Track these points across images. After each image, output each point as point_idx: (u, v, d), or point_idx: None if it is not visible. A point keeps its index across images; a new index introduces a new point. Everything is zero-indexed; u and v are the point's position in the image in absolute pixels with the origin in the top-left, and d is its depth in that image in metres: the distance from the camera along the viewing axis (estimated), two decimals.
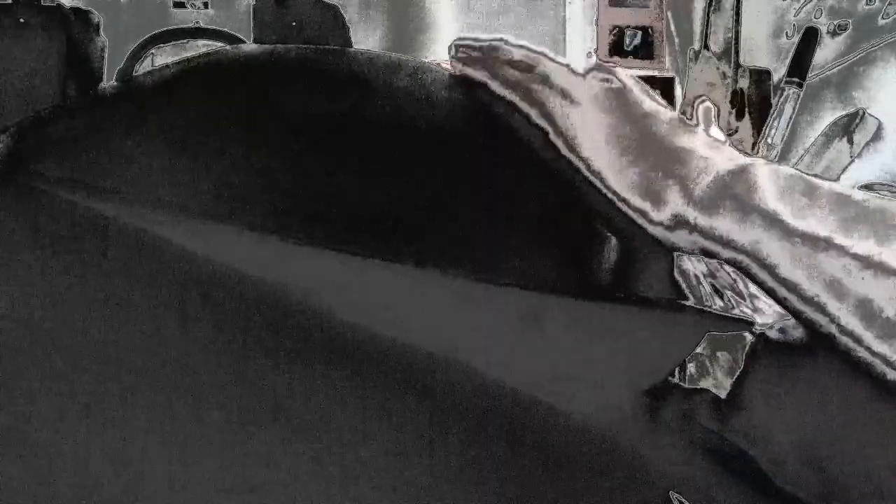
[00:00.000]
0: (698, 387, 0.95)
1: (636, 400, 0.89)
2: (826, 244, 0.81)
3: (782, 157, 2.10)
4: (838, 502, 0.86)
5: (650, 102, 0.94)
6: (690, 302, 0.95)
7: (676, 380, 0.95)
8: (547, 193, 0.97)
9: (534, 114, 0.96)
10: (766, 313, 0.95)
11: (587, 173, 0.92)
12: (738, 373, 0.91)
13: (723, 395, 0.91)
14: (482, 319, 0.88)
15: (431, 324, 0.87)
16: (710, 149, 0.90)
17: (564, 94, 0.95)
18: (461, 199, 0.94)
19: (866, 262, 0.80)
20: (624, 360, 0.89)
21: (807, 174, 0.87)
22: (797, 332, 0.89)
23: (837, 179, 2.03)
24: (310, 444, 0.82)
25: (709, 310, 0.95)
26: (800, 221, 0.82)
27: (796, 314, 0.85)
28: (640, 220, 0.90)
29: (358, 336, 0.86)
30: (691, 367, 1.08)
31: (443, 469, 0.83)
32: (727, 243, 0.86)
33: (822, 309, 0.82)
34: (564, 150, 0.94)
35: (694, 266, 0.98)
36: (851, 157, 2.07)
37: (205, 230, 0.89)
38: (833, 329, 0.82)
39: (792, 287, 0.83)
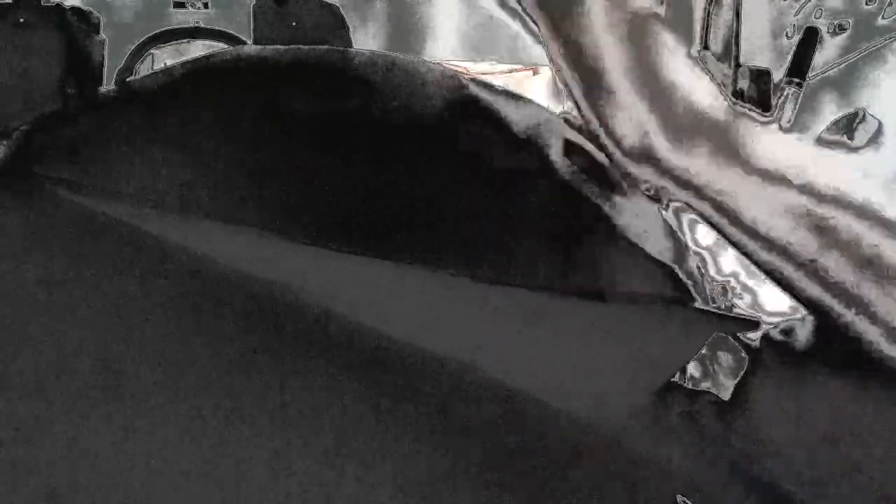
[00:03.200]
0: (701, 389, 0.95)
1: (640, 401, 0.89)
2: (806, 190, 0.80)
3: None
4: (838, 499, 0.86)
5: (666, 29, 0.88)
6: (697, 303, 0.95)
7: (679, 381, 0.95)
8: (552, 195, 0.97)
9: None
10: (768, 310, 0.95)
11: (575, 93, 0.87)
12: (741, 375, 0.91)
13: (725, 397, 0.91)
14: (488, 320, 0.88)
15: (438, 325, 0.87)
16: (705, 93, 0.85)
17: None
18: (465, 199, 0.94)
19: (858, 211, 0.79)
20: (630, 362, 0.89)
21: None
22: (803, 333, 0.89)
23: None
24: (316, 443, 0.81)
25: (715, 310, 0.95)
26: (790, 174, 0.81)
27: (759, 264, 0.83)
28: (612, 148, 0.87)
29: (364, 337, 0.86)
30: (693, 369, 1.08)
31: (447, 468, 0.82)
32: (693, 188, 0.84)
33: (787, 255, 0.81)
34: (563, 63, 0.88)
35: (697, 264, 0.97)
36: None
37: (207, 230, 0.89)
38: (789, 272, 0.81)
39: (757, 234, 0.82)
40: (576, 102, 0.88)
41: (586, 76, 0.88)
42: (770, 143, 0.87)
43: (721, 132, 0.87)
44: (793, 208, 0.82)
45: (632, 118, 0.87)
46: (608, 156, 0.89)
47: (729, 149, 0.85)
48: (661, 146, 0.85)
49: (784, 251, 0.82)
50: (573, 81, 0.89)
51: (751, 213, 0.83)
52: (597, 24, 0.89)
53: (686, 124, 0.86)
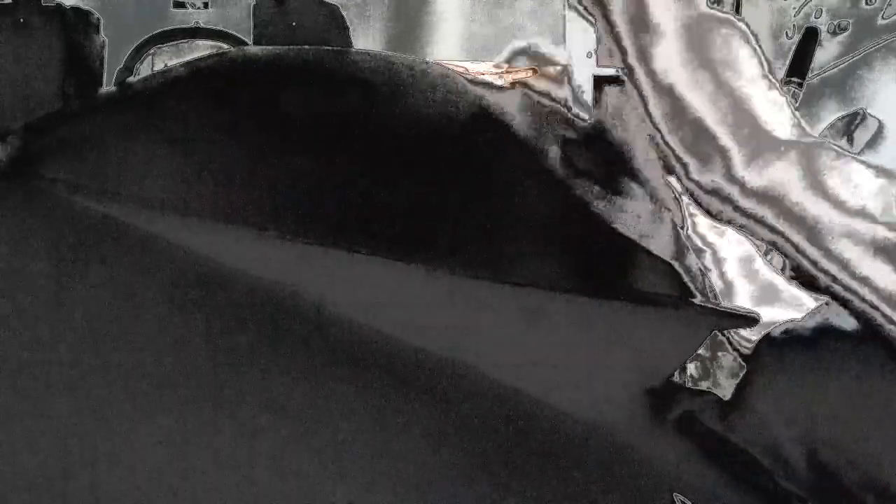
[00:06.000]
0: (700, 388, 0.95)
1: (640, 400, 0.89)
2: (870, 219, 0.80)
3: None
4: (839, 498, 0.86)
5: (742, 50, 0.89)
6: (697, 299, 0.95)
7: (678, 381, 0.95)
8: (552, 194, 0.97)
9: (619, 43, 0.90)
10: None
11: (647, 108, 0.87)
12: (741, 374, 0.91)
13: (724, 396, 0.91)
14: (486, 318, 0.88)
15: (436, 322, 0.87)
16: (781, 123, 0.85)
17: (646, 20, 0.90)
18: (465, 199, 0.94)
19: None
20: (628, 359, 0.89)
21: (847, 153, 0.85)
22: (804, 332, 0.89)
23: None
24: (313, 443, 0.81)
25: (714, 306, 0.95)
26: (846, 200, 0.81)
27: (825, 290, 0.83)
28: (678, 170, 0.86)
29: (362, 335, 0.86)
30: (692, 369, 1.08)
31: (446, 469, 0.82)
32: (765, 225, 0.84)
33: (864, 281, 0.81)
34: (638, 77, 0.88)
35: (697, 261, 0.97)
36: None
37: (207, 230, 0.89)
38: (872, 299, 0.81)
39: (835, 263, 0.82)
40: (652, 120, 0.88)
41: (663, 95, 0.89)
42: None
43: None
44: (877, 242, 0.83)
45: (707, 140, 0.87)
46: (676, 174, 0.88)
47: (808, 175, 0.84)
48: (738, 164, 0.84)
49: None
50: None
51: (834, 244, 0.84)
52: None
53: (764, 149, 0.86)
